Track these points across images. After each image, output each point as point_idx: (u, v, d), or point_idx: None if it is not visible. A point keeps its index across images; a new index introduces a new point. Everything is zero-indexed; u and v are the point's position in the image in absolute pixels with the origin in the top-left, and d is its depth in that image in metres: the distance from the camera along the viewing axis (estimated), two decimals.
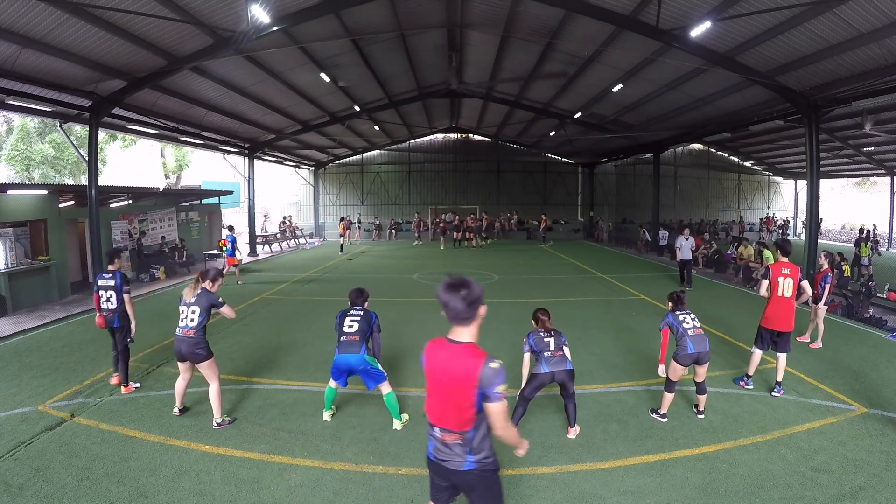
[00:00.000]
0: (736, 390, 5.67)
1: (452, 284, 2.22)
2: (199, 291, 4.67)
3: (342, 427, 4.76)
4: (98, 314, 5.60)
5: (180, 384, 4.86)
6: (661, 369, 4.91)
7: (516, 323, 8.50)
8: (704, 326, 8.18)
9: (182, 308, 4.64)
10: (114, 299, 5.53)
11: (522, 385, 4.55)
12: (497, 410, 2.21)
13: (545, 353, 4.41)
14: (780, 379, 5.47)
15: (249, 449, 4.33)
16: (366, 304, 4.87)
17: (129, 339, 5.61)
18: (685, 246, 12.41)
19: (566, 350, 4.51)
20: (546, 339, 4.48)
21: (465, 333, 2.29)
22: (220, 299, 4.70)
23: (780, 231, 27.89)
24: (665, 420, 4.87)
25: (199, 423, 4.79)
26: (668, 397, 4.88)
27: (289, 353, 7.11)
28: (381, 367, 4.67)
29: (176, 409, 4.94)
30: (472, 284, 2.23)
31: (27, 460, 4.08)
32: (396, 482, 3.88)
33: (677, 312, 4.82)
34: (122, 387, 5.58)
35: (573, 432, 4.60)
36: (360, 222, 27.11)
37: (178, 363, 4.76)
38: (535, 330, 4.59)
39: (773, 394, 5.39)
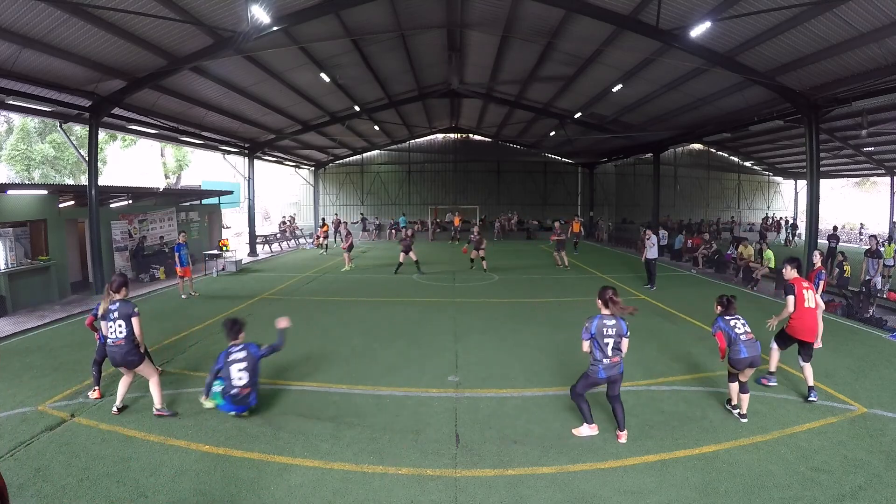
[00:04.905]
0: None
1: None
2: (116, 302, 4.80)
3: (342, 427, 4.76)
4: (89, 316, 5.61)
5: (123, 385, 4.95)
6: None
7: (515, 323, 8.50)
8: (705, 327, 8.25)
9: (108, 322, 4.78)
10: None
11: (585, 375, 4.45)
12: None
13: (604, 361, 4.28)
14: (811, 384, 5.44)
15: (249, 449, 4.33)
16: (241, 335, 4.96)
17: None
18: (654, 242, 12.02)
19: (625, 344, 4.33)
20: (606, 339, 4.24)
21: None
22: (136, 308, 4.86)
23: (790, 232, 26.43)
24: (745, 420, 4.79)
25: (198, 424, 4.79)
26: (734, 387, 4.87)
27: (288, 352, 7.09)
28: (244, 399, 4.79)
29: (115, 409, 4.95)
30: None
31: (27, 460, 4.08)
32: (396, 482, 3.88)
33: (727, 317, 4.79)
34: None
35: (623, 437, 4.46)
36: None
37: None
38: (602, 315, 4.32)
39: (810, 399, 5.34)
